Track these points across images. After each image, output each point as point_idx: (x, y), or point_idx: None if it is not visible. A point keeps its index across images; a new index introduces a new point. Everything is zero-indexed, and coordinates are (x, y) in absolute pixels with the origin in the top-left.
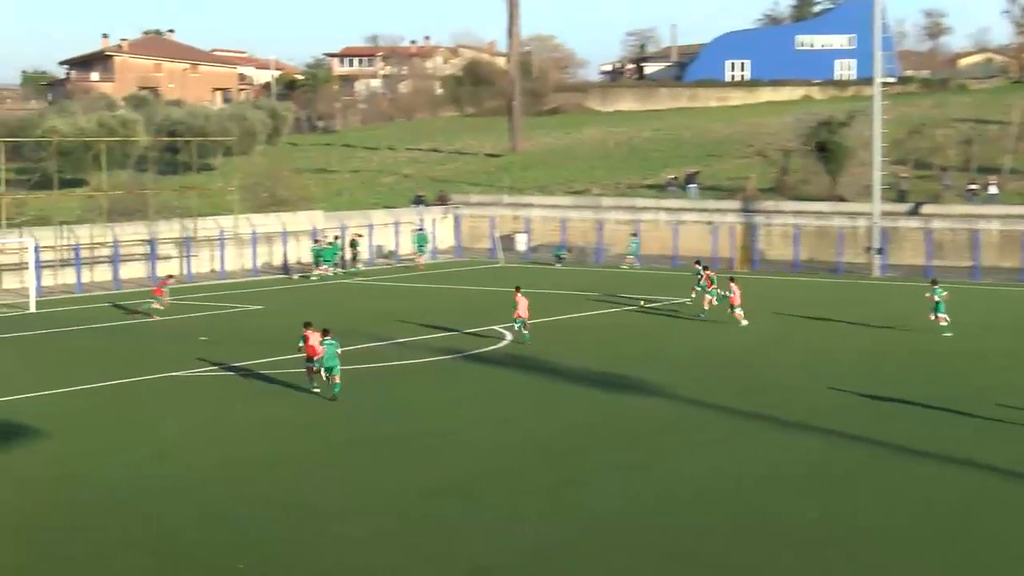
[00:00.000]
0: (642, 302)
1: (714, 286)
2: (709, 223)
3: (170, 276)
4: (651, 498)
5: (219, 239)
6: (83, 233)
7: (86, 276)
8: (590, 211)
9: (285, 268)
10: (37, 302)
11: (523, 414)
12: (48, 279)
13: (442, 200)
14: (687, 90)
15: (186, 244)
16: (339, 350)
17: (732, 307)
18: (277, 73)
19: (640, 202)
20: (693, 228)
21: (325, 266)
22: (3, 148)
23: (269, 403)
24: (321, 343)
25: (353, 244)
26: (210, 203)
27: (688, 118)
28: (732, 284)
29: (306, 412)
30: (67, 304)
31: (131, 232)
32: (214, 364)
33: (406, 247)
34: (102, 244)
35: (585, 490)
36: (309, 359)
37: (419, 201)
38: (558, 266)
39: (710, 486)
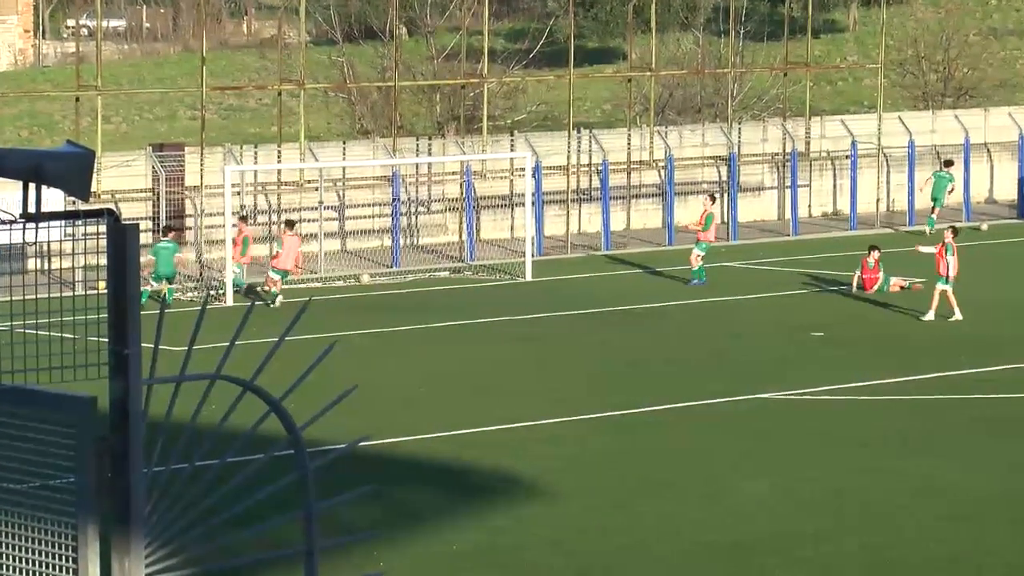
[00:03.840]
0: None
1: None
2: None
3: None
4: None
5: (850, 156)
6: (613, 143)
7: (618, 219)
8: None
9: (967, 208)
10: (536, 263)
11: None
12: (555, 224)
13: None
14: None
15: (791, 164)
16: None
17: None
18: None
19: None
20: None
21: None
22: None
23: (926, 452)
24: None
25: None
26: (834, 92)
27: None
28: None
29: (992, 473)
30: (586, 266)
31: (692, 142)
32: (834, 381)
33: None
34: (648, 164)
35: None
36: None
37: None
38: None
39: None
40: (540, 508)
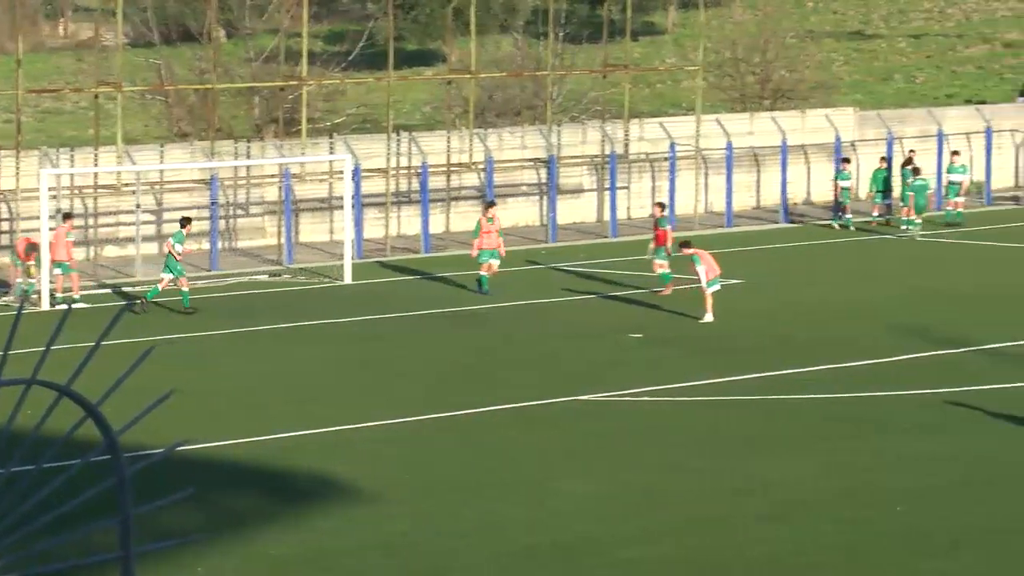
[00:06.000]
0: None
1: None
2: None
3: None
4: None
5: (668, 158)
6: (433, 146)
7: (437, 222)
8: None
9: (784, 210)
10: (356, 266)
11: None
12: (374, 227)
13: None
14: None
15: (610, 166)
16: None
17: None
18: None
19: None
20: None
21: (879, 204)
22: None
23: (748, 453)
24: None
25: (906, 167)
26: (653, 94)
27: None
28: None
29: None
30: (404, 269)
31: (512, 144)
32: (655, 383)
33: (1005, 175)
34: (466, 166)
35: None
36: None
37: None
38: None
39: None
40: (366, 510)
